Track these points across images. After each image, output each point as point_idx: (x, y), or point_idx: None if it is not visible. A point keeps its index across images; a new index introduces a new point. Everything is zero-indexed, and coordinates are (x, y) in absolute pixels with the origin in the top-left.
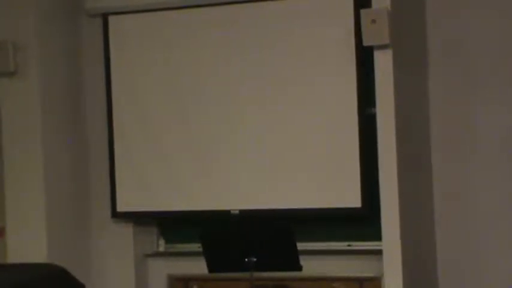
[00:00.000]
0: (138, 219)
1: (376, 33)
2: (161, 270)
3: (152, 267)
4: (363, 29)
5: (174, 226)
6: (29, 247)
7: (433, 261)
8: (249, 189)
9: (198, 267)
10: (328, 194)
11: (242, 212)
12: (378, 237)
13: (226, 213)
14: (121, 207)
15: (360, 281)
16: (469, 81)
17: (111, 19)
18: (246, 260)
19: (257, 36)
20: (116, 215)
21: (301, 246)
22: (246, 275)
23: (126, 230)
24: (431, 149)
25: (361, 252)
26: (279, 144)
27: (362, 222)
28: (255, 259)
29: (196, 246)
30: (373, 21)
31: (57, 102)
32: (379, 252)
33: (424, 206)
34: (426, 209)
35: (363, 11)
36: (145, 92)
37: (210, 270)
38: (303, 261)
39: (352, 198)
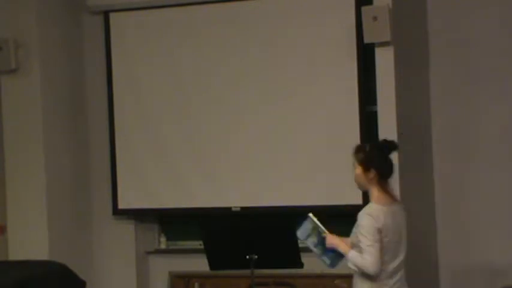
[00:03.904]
0: (139, 216)
1: (377, 30)
2: (162, 267)
3: (153, 264)
4: (364, 26)
5: (175, 223)
6: (31, 244)
7: (433, 258)
8: (250, 187)
9: (199, 264)
10: (329, 191)
11: (243, 209)
12: None
13: (228, 210)
14: (122, 205)
15: None
16: (470, 79)
17: (113, 16)
18: (247, 257)
19: (258, 33)
20: (117, 212)
21: (302, 243)
22: (247, 272)
23: (128, 227)
24: (433, 146)
25: None
26: (280, 142)
27: None
28: (256, 256)
29: (197, 244)
30: (375, 18)
31: (58, 100)
32: None
33: (425, 203)
34: (427, 206)
35: (364, 8)
36: (146, 89)
37: (211, 268)
38: (304, 258)
39: (353, 195)
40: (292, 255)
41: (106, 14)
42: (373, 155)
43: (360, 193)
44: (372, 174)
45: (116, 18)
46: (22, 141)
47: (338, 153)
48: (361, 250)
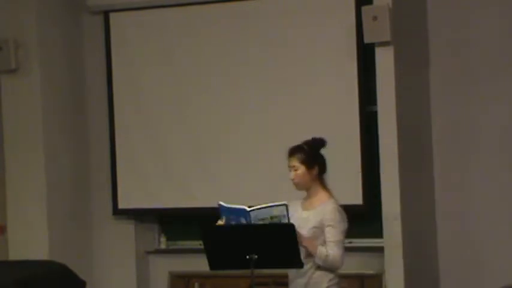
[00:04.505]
0: (140, 216)
1: (377, 30)
2: (162, 267)
3: (153, 264)
4: (364, 26)
5: (175, 223)
6: (31, 244)
7: (434, 258)
8: (250, 186)
9: (199, 264)
10: None
11: None
12: (379, 234)
13: None
14: (122, 205)
15: (361, 277)
16: (470, 79)
17: (112, 16)
18: (247, 257)
19: (258, 33)
20: (117, 212)
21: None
22: (247, 272)
23: (128, 227)
24: (433, 146)
25: (362, 249)
26: (280, 142)
27: (363, 219)
28: (256, 256)
29: (197, 243)
30: (375, 18)
31: (58, 100)
32: (380, 249)
33: (425, 203)
34: (427, 206)
35: (364, 8)
36: (146, 89)
37: (211, 268)
38: None
39: (353, 195)
40: (292, 255)
41: (106, 14)
42: (314, 153)
43: (360, 193)
44: (315, 171)
45: (116, 18)
46: (22, 141)
47: (338, 153)
48: (322, 243)
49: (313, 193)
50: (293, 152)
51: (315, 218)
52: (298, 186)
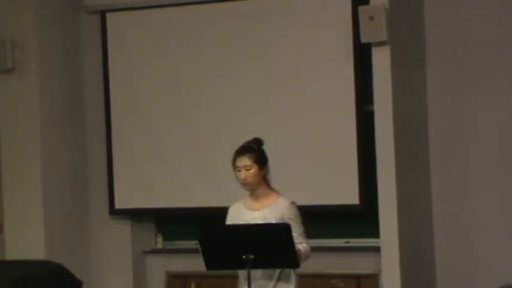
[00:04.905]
0: (136, 216)
1: (373, 30)
2: (159, 267)
3: (150, 264)
4: (360, 26)
5: (172, 223)
6: (27, 244)
7: (430, 258)
8: None
9: (196, 264)
10: (326, 191)
11: None
12: (375, 234)
13: (225, 209)
14: (119, 204)
15: (357, 277)
16: (467, 79)
17: (109, 16)
18: (244, 257)
19: (255, 33)
20: (114, 212)
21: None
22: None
23: (124, 227)
24: (429, 146)
25: (359, 249)
26: (278, 141)
27: (360, 219)
28: (252, 256)
29: (194, 243)
30: (371, 18)
31: (55, 99)
32: (377, 249)
33: (422, 203)
34: (424, 206)
35: (360, 8)
36: (143, 89)
37: (208, 268)
38: None
39: (350, 195)
40: (288, 254)
41: (103, 14)
42: (263, 152)
43: (357, 192)
44: (265, 170)
45: (114, 18)
46: (19, 140)
47: (335, 152)
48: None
49: (260, 193)
50: (245, 151)
51: (275, 215)
52: (249, 185)
